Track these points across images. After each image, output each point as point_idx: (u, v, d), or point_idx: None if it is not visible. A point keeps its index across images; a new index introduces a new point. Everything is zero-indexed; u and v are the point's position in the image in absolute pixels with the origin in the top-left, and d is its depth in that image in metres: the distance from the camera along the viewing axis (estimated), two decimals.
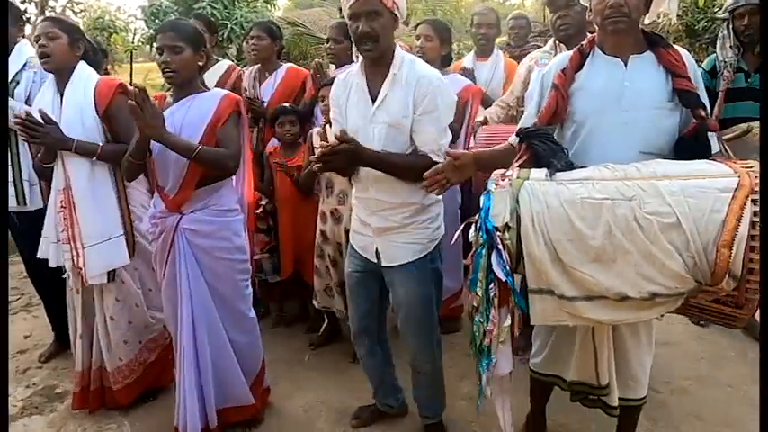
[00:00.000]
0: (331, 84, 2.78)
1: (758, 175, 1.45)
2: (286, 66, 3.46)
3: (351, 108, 2.02)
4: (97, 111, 2.37)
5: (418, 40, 2.97)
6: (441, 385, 2.31)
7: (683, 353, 2.92)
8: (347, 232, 2.76)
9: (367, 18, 1.87)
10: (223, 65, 3.49)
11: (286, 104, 3.15)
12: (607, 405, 1.97)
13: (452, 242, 1.85)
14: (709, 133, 1.70)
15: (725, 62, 2.88)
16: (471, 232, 1.65)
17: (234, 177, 2.33)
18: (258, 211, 3.12)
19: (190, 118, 2.15)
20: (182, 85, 2.18)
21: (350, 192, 2.71)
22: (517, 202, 1.57)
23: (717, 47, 2.98)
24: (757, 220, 1.39)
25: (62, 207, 2.35)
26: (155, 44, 2.27)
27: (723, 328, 2.72)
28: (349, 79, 2.06)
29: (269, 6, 9.09)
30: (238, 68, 3.58)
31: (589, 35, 2.62)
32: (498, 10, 4.29)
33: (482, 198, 1.65)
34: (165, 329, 2.51)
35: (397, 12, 1.93)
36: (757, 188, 1.42)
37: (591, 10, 1.79)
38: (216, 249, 2.22)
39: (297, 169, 3.06)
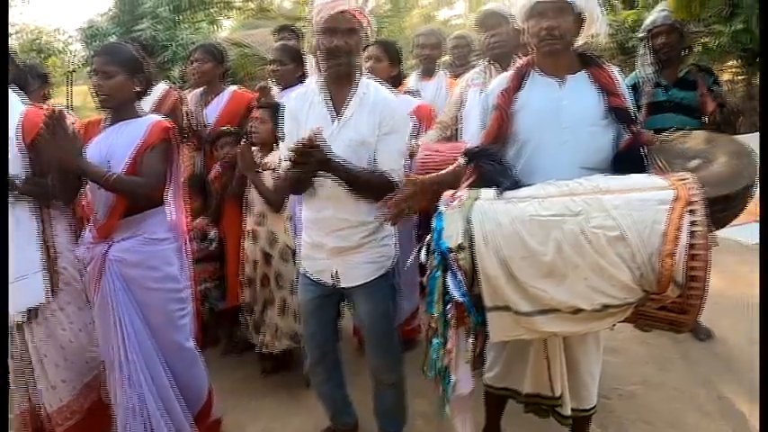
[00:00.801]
0: (269, 106, 2.78)
1: (692, 186, 1.53)
2: (231, 88, 3.40)
3: (310, 123, 1.99)
4: (24, 141, 2.22)
5: (368, 61, 2.99)
6: (403, 399, 2.30)
7: (629, 358, 3.02)
8: (264, 254, 2.78)
9: (343, 33, 1.88)
10: (159, 88, 3.37)
11: (225, 127, 3.08)
12: (560, 415, 2.02)
13: (407, 265, 1.85)
14: (643, 147, 1.79)
15: (645, 78, 3.07)
16: (423, 253, 1.66)
17: (168, 204, 2.24)
18: (205, 245, 3.05)
19: (119, 143, 2.10)
20: (115, 109, 2.12)
21: (268, 214, 2.77)
22: (469, 222, 1.59)
23: (637, 64, 3.18)
24: (695, 229, 1.46)
25: None
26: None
27: (665, 333, 2.90)
28: (309, 94, 2.04)
29: (213, 27, 8.93)
30: (175, 91, 3.49)
31: (517, 56, 2.77)
32: (442, 30, 4.37)
33: (433, 219, 1.66)
34: None
35: (369, 32, 1.97)
36: (692, 199, 1.50)
37: (526, 32, 1.86)
38: (146, 279, 2.14)
39: None
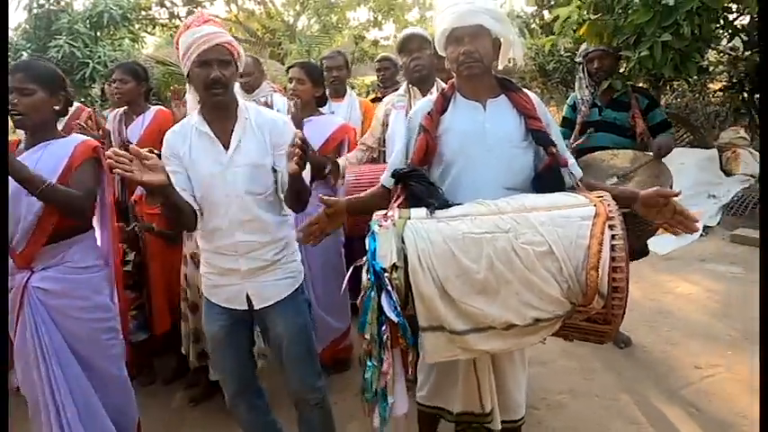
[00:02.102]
0: None
1: (610, 202, 1.61)
2: (155, 108, 3.30)
3: (198, 157, 1.97)
4: None
5: (291, 83, 2.98)
6: (331, 418, 2.25)
7: (555, 370, 3.12)
8: None
9: (219, 65, 1.89)
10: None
11: (146, 149, 2.95)
12: (490, 430, 2.03)
13: (343, 288, 1.83)
14: (562, 167, 1.88)
15: (582, 99, 3.26)
16: (365, 275, 1.65)
17: (96, 230, 2.16)
18: (126, 269, 2.90)
19: (42, 165, 1.97)
20: (33, 129, 2.01)
21: None
22: (402, 241, 1.60)
23: (576, 86, 3.37)
24: (616, 243, 1.54)
25: None
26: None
27: (588, 343, 3.02)
28: (185, 130, 2.02)
29: (135, 45, 8.54)
30: (88, 109, 3.35)
31: (438, 80, 2.85)
32: (371, 50, 4.41)
33: (367, 240, 1.66)
34: None
35: (239, 63, 2.00)
36: (611, 215, 1.58)
37: (447, 58, 1.92)
38: (72, 309, 2.03)
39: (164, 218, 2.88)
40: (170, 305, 3.00)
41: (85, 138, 2.11)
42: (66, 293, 2.01)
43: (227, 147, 1.96)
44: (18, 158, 1.92)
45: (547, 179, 1.87)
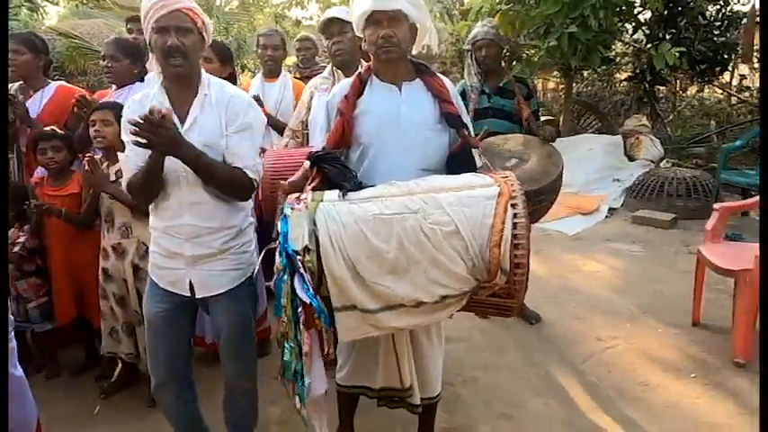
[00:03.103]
0: (106, 107, 2.55)
1: (513, 183, 1.69)
2: (55, 84, 3.09)
3: None
4: None
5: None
6: (256, 404, 2.25)
7: (470, 346, 3.24)
8: (134, 267, 2.57)
9: (177, 32, 1.78)
10: None
11: (47, 128, 2.77)
12: (410, 404, 2.11)
13: (255, 270, 1.81)
14: (473, 149, 1.95)
15: (471, 86, 3.37)
16: (277, 258, 1.64)
17: None
18: (15, 250, 2.72)
19: None
20: None
21: (133, 224, 2.55)
22: (314, 223, 1.61)
23: (464, 73, 3.48)
24: (517, 221, 1.62)
25: None
26: None
27: (501, 320, 3.17)
28: (146, 101, 1.90)
29: (34, 15, 7.84)
30: None
31: (363, 61, 2.85)
32: (293, 30, 4.34)
33: (279, 223, 1.65)
34: None
35: (204, 33, 1.89)
36: (514, 194, 1.65)
37: (364, 40, 1.93)
38: None
39: (69, 200, 2.74)
40: (75, 294, 2.85)
41: None
42: None
43: (183, 120, 1.86)
44: None
45: (459, 160, 1.94)
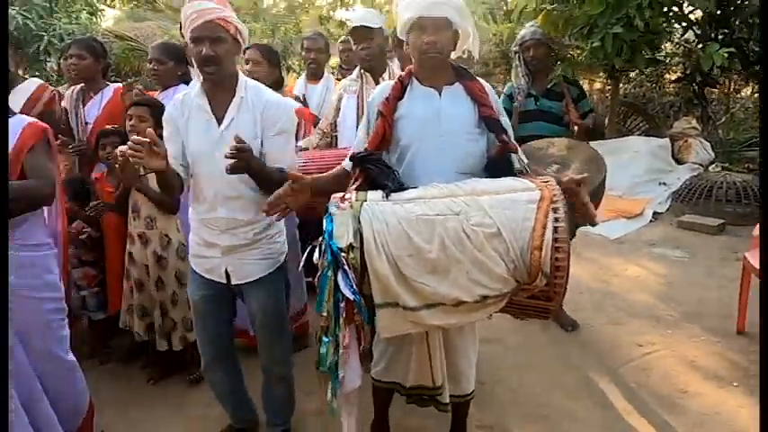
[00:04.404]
0: (143, 104, 2.70)
1: (554, 187, 1.71)
2: (113, 86, 3.26)
3: (192, 130, 2.03)
4: None
5: (247, 64, 2.99)
6: (292, 390, 2.37)
7: (504, 347, 3.25)
8: (157, 256, 2.75)
9: (210, 42, 1.91)
10: (31, 84, 3.13)
11: (108, 126, 2.94)
12: (439, 403, 2.15)
13: (300, 267, 1.89)
14: (512, 153, 1.97)
15: (518, 88, 3.34)
16: (316, 254, 1.71)
17: (45, 209, 2.13)
18: (82, 237, 2.91)
19: None
20: None
21: (158, 216, 2.74)
22: (359, 222, 1.67)
23: (512, 75, 3.45)
24: (558, 225, 1.64)
25: None
26: None
27: (538, 322, 3.17)
28: (188, 101, 2.05)
29: (93, 18, 8.23)
30: (51, 88, 3.25)
31: (390, 62, 2.91)
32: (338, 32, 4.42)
33: (324, 221, 1.72)
34: None
35: (239, 38, 2.02)
36: (555, 198, 1.68)
37: (407, 44, 1.98)
38: (22, 288, 1.99)
39: None
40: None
41: (31, 119, 2.07)
42: (15, 272, 1.97)
43: (220, 122, 2.00)
44: None
45: (498, 164, 1.96)
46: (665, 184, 6.40)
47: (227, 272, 2.11)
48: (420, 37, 1.89)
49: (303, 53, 3.86)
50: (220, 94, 2.02)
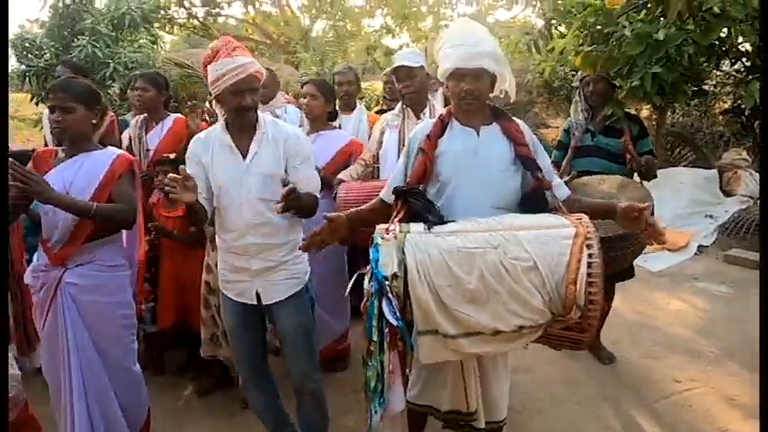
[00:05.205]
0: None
1: (588, 225, 1.81)
2: (173, 116, 3.52)
3: (218, 165, 2.22)
4: None
5: (304, 98, 3.20)
6: (324, 406, 2.48)
7: (539, 377, 3.28)
8: None
9: (250, 93, 2.14)
10: None
11: (164, 155, 3.19)
12: (474, 428, 2.22)
13: (346, 292, 2.02)
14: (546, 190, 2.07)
15: (576, 123, 3.38)
16: (366, 282, 1.84)
17: (124, 234, 2.35)
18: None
19: (81, 176, 2.18)
20: (72, 141, 2.21)
21: None
22: (403, 252, 1.79)
23: (571, 110, 3.49)
24: (592, 260, 1.73)
25: None
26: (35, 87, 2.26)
27: (573, 353, 3.20)
28: (210, 139, 2.26)
29: (154, 46, 8.77)
30: (110, 113, 3.56)
31: (431, 97, 3.05)
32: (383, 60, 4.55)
33: (371, 250, 1.85)
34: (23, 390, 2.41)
35: (272, 82, 2.27)
36: (590, 235, 1.77)
37: (447, 88, 2.12)
38: (99, 305, 2.23)
39: (179, 220, 3.11)
40: (176, 302, 3.21)
41: (121, 151, 2.32)
42: (96, 289, 2.21)
43: (245, 156, 2.19)
44: (57, 167, 2.18)
45: (532, 200, 2.07)
46: (711, 216, 6.29)
47: (257, 294, 2.27)
48: (459, 85, 2.03)
49: (336, 86, 4.07)
50: (243, 131, 2.23)
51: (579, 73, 3.51)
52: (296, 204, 2.09)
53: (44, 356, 2.29)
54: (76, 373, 2.18)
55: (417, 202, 1.99)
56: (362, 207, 2.22)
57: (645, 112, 10.47)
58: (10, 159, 1.95)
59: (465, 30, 2.09)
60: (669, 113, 8.50)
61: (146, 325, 3.27)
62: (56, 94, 2.15)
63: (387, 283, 1.76)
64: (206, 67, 2.17)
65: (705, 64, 3.80)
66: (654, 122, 9.04)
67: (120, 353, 2.30)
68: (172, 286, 3.19)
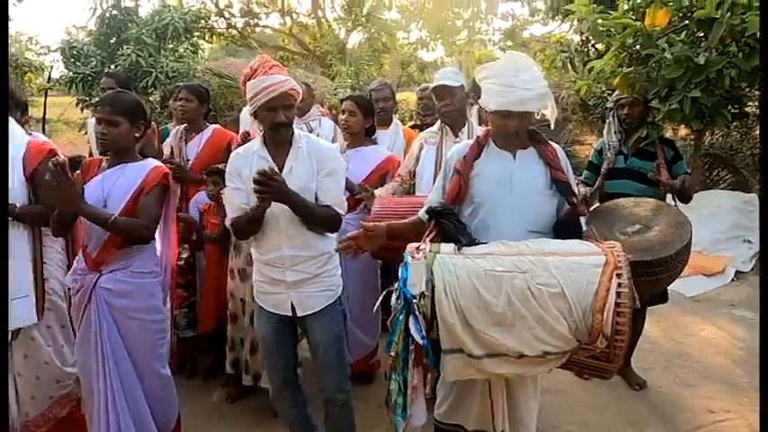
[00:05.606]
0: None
1: (620, 253, 1.80)
2: (212, 127, 3.63)
3: None
4: (25, 172, 2.42)
5: (343, 114, 3.26)
6: (353, 419, 2.50)
7: (568, 400, 3.25)
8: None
9: (284, 110, 2.21)
10: None
11: (214, 165, 3.26)
12: None
13: (375, 307, 2.05)
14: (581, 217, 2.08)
15: (609, 145, 3.33)
16: (394, 298, 1.87)
17: (158, 239, 2.43)
18: (180, 263, 3.18)
19: (118, 185, 2.29)
20: (116, 152, 2.31)
21: None
22: (431, 273, 1.82)
23: (604, 131, 3.44)
24: (621, 290, 1.72)
25: None
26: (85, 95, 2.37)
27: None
28: (248, 154, 2.33)
29: (195, 57, 9.05)
30: (153, 123, 3.68)
31: (470, 117, 3.07)
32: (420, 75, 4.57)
33: (400, 269, 1.88)
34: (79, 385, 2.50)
35: (307, 97, 2.28)
36: (619, 264, 1.76)
37: (490, 121, 2.14)
38: (131, 310, 2.31)
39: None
40: (218, 306, 3.29)
41: (157, 163, 2.40)
42: (128, 294, 2.30)
43: (281, 170, 2.25)
44: (99, 176, 2.29)
45: (566, 225, 2.08)
46: (749, 241, 6.11)
47: (292, 305, 2.31)
48: (504, 121, 2.05)
49: (372, 103, 4.12)
50: (280, 146, 2.29)
51: (615, 94, 3.46)
52: (272, 188, 2.07)
53: (78, 356, 2.38)
54: (108, 373, 2.27)
55: (449, 223, 2.02)
56: (405, 220, 2.27)
57: (682, 131, 10.27)
58: (61, 162, 2.05)
59: (516, 68, 2.04)
60: (708, 134, 8.29)
61: (180, 330, 3.34)
62: (103, 108, 2.25)
63: (414, 301, 1.79)
64: (245, 84, 2.24)
65: (747, 88, 3.72)
66: (691, 143, 8.85)
67: (150, 356, 2.37)
68: (214, 291, 3.28)
